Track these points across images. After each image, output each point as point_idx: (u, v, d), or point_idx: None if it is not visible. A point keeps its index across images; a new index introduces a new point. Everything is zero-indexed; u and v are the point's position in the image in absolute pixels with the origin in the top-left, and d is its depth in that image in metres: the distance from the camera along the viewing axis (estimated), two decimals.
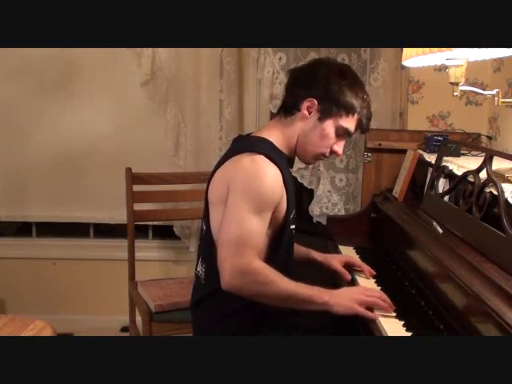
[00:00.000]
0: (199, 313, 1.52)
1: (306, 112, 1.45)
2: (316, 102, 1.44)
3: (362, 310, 1.36)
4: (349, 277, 1.61)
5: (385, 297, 1.40)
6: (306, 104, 1.45)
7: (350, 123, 1.47)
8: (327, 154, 1.51)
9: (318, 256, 1.69)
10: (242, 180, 1.35)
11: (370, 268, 1.65)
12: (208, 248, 1.45)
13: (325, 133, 1.46)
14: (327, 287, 1.42)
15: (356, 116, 1.47)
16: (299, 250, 1.70)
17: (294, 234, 1.56)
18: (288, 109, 1.48)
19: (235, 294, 1.34)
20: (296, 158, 1.58)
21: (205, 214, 1.48)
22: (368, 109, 1.50)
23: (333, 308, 1.37)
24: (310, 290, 1.38)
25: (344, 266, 1.65)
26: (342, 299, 1.38)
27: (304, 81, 1.47)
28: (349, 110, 1.45)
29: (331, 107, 1.44)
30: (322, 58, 1.53)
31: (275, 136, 1.48)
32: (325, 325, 1.53)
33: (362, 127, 1.51)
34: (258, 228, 1.35)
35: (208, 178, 1.49)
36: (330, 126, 1.46)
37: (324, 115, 1.45)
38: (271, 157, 1.38)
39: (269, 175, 1.36)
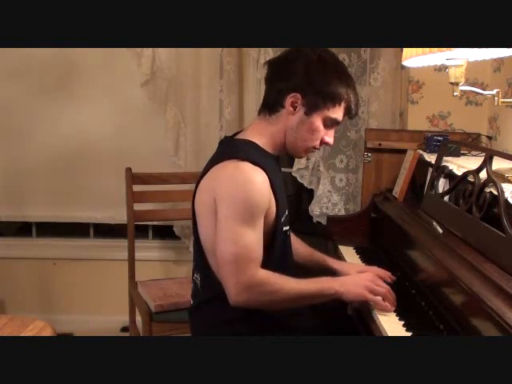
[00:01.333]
0: (197, 318, 1.51)
1: (290, 108, 1.39)
2: (300, 96, 1.37)
3: (372, 298, 1.37)
4: None
5: (391, 292, 1.40)
6: (289, 100, 1.38)
7: (337, 113, 1.41)
8: (318, 147, 1.47)
9: (333, 264, 1.63)
10: (229, 191, 1.31)
11: (389, 273, 1.58)
12: (200, 258, 1.43)
13: (314, 126, 1.40)
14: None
15: (343, 104, 1.41)
16: (314, 255, 1.67)
17: (293, 234, 1.55)
18: (272, 106, 1.42)
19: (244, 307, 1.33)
20: (295, 158, 1.57)
21: (193, 224, 1.45)
22: (354, 93, 1.43)
23: (343, 296, 1.37)
24: (319, 284, 1.37)
25: None
26: (352, 286, 1.38)
27: (284, 73, 1.41)
28: (335, 100, 1.39)
29: (316, 101, 1.38)
30: (298, 47, 1.46)
31: (260, 136, 1.43)
32: (325, 326, 1.53)
33: (351, 113, 1.45)
34: (253, 239, 1.32)
35: (194, 187, 1.44)
36: (317, 119, 1.40)
37: (310, 109, 1.39)
38: (256, 161, 1.33)
39: (256, 182, 1.31)
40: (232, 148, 1.41)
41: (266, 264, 1.37)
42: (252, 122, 1.53)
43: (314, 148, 1.47)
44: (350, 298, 1.38)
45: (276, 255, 1.42)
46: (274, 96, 1.42)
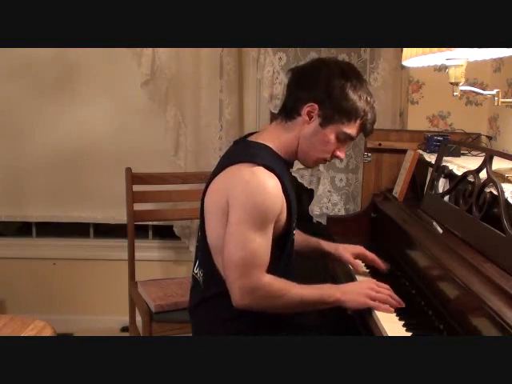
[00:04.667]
0: (199, 315, 1.51)
1: (306, 117, 1.41)
2: (317, 106, 1.39)
3: (374, 304, 1.38)
4: (361, 269, 1.60)
5: (394, 294, 1.42)
6: (306, 109, 1.40)
7: (352, 129, 1.43)
8: (329, 159, 1.48)
9: (328, 247, 1.68)
10: (242, 196, 1.32)
11: (381, 262, 1.64)
12: (205, 254, 1.44)
13: (326, 139, 1.42)
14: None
15: (359, 121, 1.43)
16: (309, 241, 1.70)
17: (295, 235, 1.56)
18: (289, 112, 1.44)
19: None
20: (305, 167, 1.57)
21: (201, 220, 1.46)
22: (372, 112, 1.45)
23: (344, 304, 1.39)
24: (321, 290, 1.40)
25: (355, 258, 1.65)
26: (353, 295, 1.40)
27: (305, 82, 1.43)
28: (351, 116, 1.41)
29: (333, 114, 1.39)
30: (323, 57, 1.48)
31: (275, 141, 1.45)
32: (325, 325, 1.54)
33: (366, 131, 1.47)
34: (262, 244, 1.33)
35: (206, 183, 1.45)
36: (331, 132, 1.41)
37: (326, 121, 1.40)
38: (271, 167, 1.35)
39: (269, 189, 1.33)
40: (248, 150, 1.42)
41: (276, 267, 1.39)
42: (268, 125, 1.54)
43: (325, 160, 1.49)
44: (351, 305, 1.40)
45: (286, 258, 1.45)
46: (292, 103, 1.44)
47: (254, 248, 1.32)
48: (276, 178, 1.35)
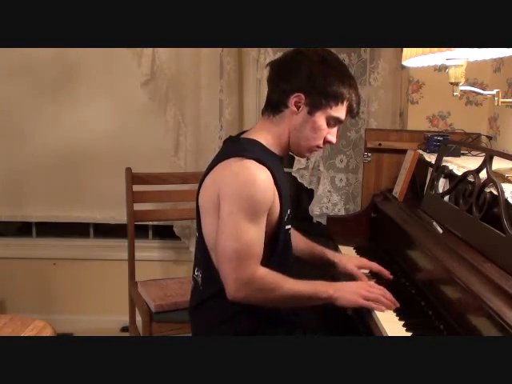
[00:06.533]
0: (198, 316, 1.51)
1: (294, 108, 1.42)
2: (303, 96, 1.40)
3: (365, 303, 1.39)
4: (365, 279, 1.58)
5: (388, 294, 1.42)
6: (293, 100, 1.41)
7: (340, 112, 1.44)
8: (321, 145, 1.49)
9: (333, 257, 1.68)
10: (233, 187, 1.33)
11: (387, 272, 1.62)
12: (203, 254, 1.44)
13: (317, 125, 1.43)
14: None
15: (345, 103, 1.44)
16: (314, 248, 1.70)
17: (292, 233, 1.56)
18: (275, 106, 1.45)
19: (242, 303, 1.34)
20: (296, 157, 1.57)
21: (197, 220, 1.47)
22: (356, 93, 1.46)
23: (337, 301, 1.39)
24: (314, 286, 1.40)
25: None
26: (345, 293, 1.40)
27: (287, 74, 1.43)
28: (338, 99, 1.42)
29: (320, 100, 1.41)
30: (300, 48, 1.47)
31: (265, 136, 1.46)
32: (325, 324, 1.54)
33: (353, 112, 1.48)
34: (255, 236, 1.33)
35: (198, 183, 1.46)
36: (320, 117, 1.43)
37: (313, 108, 1.42)
38: (261, 160, 1.35)
39: (260, 180, 1.33)
40: (237, 146, 1.43)
41: (268, 262, 1.38)
42: (256, 122, 1.55)
43: (318, 147, 1.50)
44: (343, 303, 1.40)
45: (278, 253, 1.44)
46: (277, 97, 1.45)
47: (247, 239, 1.32)
48: (267, 171, 1.35)
